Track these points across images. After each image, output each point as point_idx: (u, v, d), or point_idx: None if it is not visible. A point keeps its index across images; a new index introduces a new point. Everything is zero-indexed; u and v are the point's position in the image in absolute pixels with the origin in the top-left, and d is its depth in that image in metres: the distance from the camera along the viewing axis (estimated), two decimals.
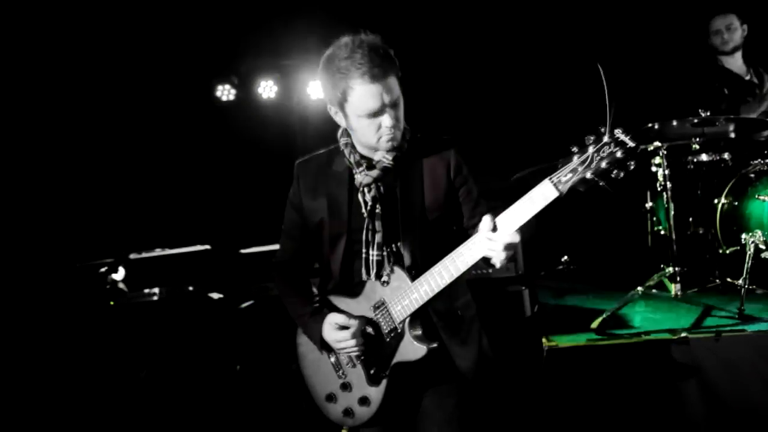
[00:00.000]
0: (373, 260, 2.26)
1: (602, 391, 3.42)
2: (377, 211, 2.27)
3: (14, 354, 4.61)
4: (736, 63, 4.95)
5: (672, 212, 4.30)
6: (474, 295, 2.46)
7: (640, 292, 4.06)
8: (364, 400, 2.29)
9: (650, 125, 4.15)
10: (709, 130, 4.25)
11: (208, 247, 5.11)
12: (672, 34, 5.52)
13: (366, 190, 2.27)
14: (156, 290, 4.83)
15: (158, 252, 5.06)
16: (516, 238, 1.96)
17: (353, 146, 2.33)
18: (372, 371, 2.27)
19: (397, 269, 2.22)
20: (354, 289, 2.33)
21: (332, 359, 2.37)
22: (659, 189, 4.37)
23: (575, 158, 1.88)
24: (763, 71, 4.97)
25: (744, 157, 4.41)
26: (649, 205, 4.77)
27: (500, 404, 3.54)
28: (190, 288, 4.91)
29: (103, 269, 4.81)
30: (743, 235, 4.02)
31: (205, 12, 5.75)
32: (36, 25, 5.46)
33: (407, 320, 2.20)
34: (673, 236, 4.28)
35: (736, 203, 4.24)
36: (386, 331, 2.25)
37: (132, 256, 4.98)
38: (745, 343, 3.37)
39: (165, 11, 5.71)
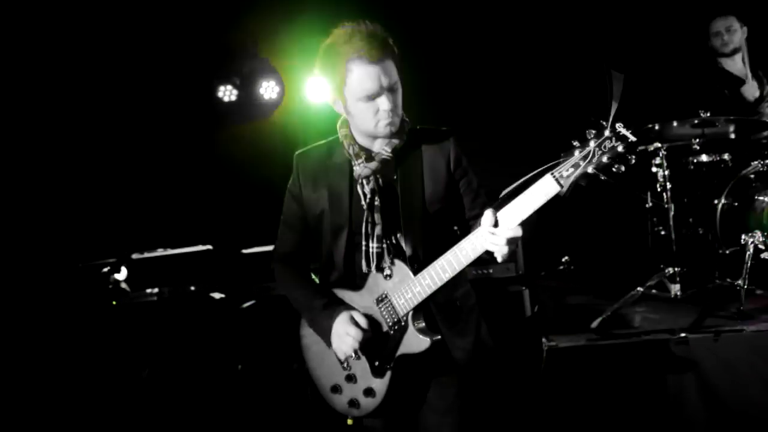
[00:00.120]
0: (373, 252, 2.26)
1: (602, 391, 3.43)
2: (376, 203, 2.27)
3: (17, 353, 4.62)
4: (735, 65, 4.95)
5: (672, 213, 4.32)
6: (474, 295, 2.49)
7: (640, 292, 4.07)
8: (369, 392, 2.31)
9: (650, 126, 4.17)
10: (709, 131, 4.27)
11: (209, 247, 5.11)
12: (672, 36, 5.53)
13: (365, 181, 2.28)
14: (158, 290, 4.85)
15: (160, 252, 5.06)
16: (518, 232, 1.96)
17: (352, 137, 2.34)
18: (376, 363, 2.29)
19: (398, 262, 2.24)
20: (357, 281, 2.34)
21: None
22: (659, 189, 4.38)
23: (577, 152, 1.89)
24: (762, 74, 4.98)
25: (744, 158, 4.42)
26: (648, 204, 4.78)
27: (500, 394, 3.54)
28: (192, 288, 4.91)
29: (105, 269, 4.82)
30: (743, 236, 4.01)
31: (206, 12, 5.76)
32: (37, 25, 5.47)
33: (410, 313, 2.22)
34: (673, 236, 4.30)
35: (736, 204, 4.25)
36: (390, 324, 2.26)
37: (134, 256, 4.98)
38: (744, 343, 3.38)
39: (166, 11, 5.73)
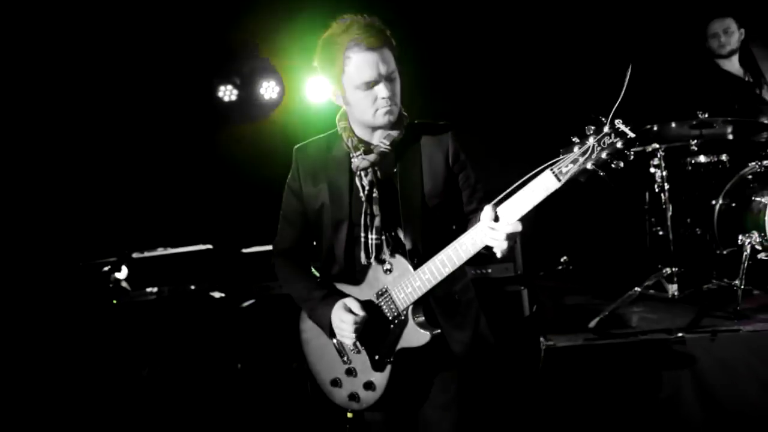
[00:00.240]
0: (372, 244, 2.27)
1: (599, 390, 3.45)
2: (374, 195, 2.28)
3: (17, 352, 4.62)
4: (733, 66, 4.97)
5: (670, 213, 4.33)
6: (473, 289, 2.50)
7: (637, 292, 4.08)
8: (369, 385, 2.32)
9: (649, 127, 4.18)
10: (707, 132, 4.28)
11: (209, 246, 5.13)
12: (670, 37, 5.54)
13: (363, 174, 2.28)
14: (158, 289, 4.86)
15: (161, 251, 5.07)
16: (518, 228, 1.96)
17: (351, 130, 2.34)
18: (376, 357, 2.30)
19: (398, 256, 2.25)
20: (357, 276, 2.35)
21: (337, 345, 2.39)
22: (657, 190, 4.40)
23: (576, 148, 1.89)
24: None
25: (742, 159, 4.43)
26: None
27: (499, 391, 3.55)
28: (192, 287, 4.92)
29: (106, 268, 4.83)
30: (740, 236, 4.02)
31: (206, 12, 5.77)
32: (38, 25, 5.47)
33: (410, 307, 2.23)
34: (671, 237, 4.32)
35: (734, 204, 4.26)
36: (390, 317, 2.28)
37: (135, 255, 4.99)
38: (741, 343, 3.40)
39: (167, 11, 5.73)
